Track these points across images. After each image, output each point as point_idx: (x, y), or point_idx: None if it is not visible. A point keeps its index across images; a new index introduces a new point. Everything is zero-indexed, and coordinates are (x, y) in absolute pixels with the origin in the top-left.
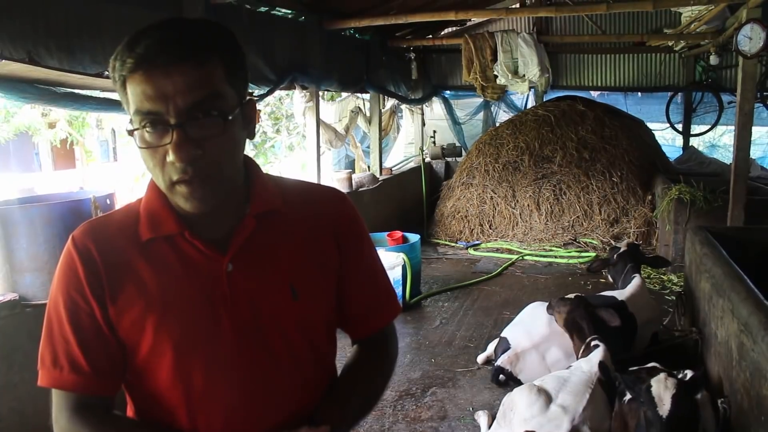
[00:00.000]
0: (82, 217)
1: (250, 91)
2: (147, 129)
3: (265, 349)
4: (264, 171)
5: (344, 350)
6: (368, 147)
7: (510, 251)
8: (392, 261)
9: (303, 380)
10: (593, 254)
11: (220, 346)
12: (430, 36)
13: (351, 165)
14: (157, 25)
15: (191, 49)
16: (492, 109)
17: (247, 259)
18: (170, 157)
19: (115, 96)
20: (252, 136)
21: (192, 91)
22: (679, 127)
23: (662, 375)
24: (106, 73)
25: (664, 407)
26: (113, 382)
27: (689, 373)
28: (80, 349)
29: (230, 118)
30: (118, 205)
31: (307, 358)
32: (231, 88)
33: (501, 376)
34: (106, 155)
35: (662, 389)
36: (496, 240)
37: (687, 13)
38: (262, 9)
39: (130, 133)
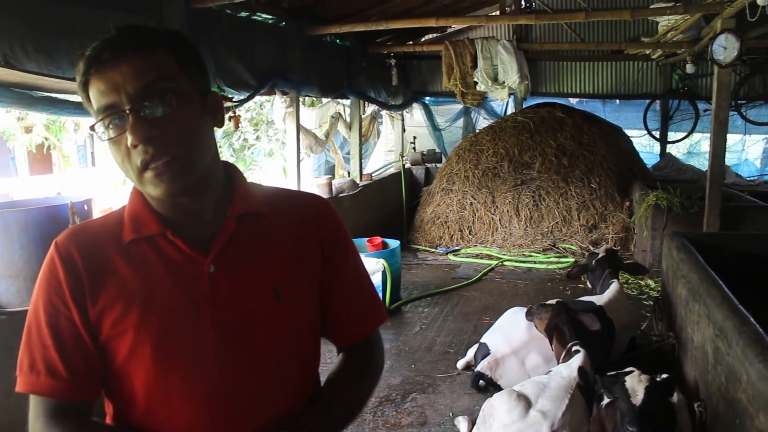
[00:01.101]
0: (59, 223)
1: (230, 96)
2: (109, 125)
3: (247, 351)
4: (246, 178)
5: (326, 355)
6: (348, 153)
7: (489, 257)
8: (372, 267)
9: (286, 384)
10: (572, 260)
11: (201, 348)
12: (411, 42)
13: (331, 171)
14: (107, 33)
15: (136, 42)
16: (472, 115)
17: (230, 260)
18: (129, 140)
19: None
20: (221, 124)
21: (140, 75)
22: (657, 134)
23: (636, 372)
24: None
25: (638, 397)
26: (91, 388)
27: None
28: (58, 354)
29: (183, 97)
30: (96, 210)
31: (291, 362)
32: (184, 76)
33: (481, 381)
34: (84, 160)
35: (636, 382)
36: (475, 246)
37: (664, 22)
38: (243, 14)
39: (92, 128)
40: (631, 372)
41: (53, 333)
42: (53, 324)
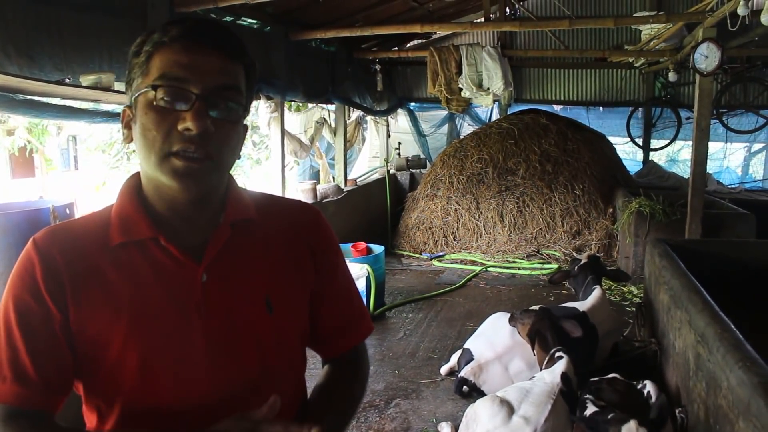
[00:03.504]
0: (40, 227)
1: None
2: (164, 96)
3: (238, 361)
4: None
5: (310, 361)
6: (333, 158)
7: (474, 263)
8: (356, 272)
9: (276, 395)
10: (556, 266)
11: (191, 357)
12: (396, 48)
13: (316, 176)
14: (195, 19)
15: (230, 43)
16: (456, 121)
17: (222, 268)
18: (186, 123)
19: (75, 104)
20: (239, 156)
21: (223, 75)
22: (640, 141)
23: (632, 424)
24: (67, 80)
25: None
26: (57, 399)
27: (648, 384)
28: (29, 356)
29: (243, 113)
30: (78, 214)
31: (280, 372)
32: (245, 96)
33: (464, 387)
34: (67, 163)
35: None
36: (459, 251)
37: (647, 30)
38: (228, 19)
39: (135, 100)
40: (613, 379)
41: (25, 334)
42: (25, 326)
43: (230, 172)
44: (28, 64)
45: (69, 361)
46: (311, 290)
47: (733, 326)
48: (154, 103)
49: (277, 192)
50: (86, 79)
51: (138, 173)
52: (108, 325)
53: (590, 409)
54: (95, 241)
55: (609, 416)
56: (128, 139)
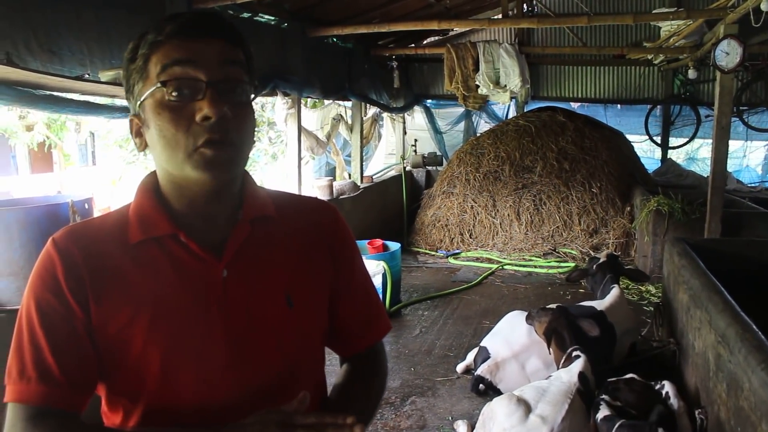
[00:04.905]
0: (59, 222)
1: None
2: (174, 90)
3: (258, 357)
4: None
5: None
6: (349, 155)
7: (490, 260)
8: (373, 269)
9: (296, 391)
10: (572, 264)
11: (212, 354)
12: (413, 45)
13: (332, 172)
14: (189, 11)
15: (227, 29)
16: (473, 118)
17: (242, 265)
18: (204, 111)
19: (94, 99)
20: (254, 142)
21: (227, 61)
22: (658, 139)
23: None
24: (87, 75)
25: None
26: (82, 398)
27: (666, 384)
28: (53, 356)
29: (252, 94)
30: (97, 209)
31: (301, 369)
32: (250, 78)
33: (480, 385)
34: (85, 159)
35: None
36: (476, 249)
37: (666, 27)
38: (245, 15)
39: (144, 102)
40: (630, 379)
41: (48, 334)
42: (48, 325)
43: (245, 167)
44: (51, 60)
45: (93, 359)
46: (330, 287)
47: (755, 327)
48: (166, 99)
49: (293, 188)
50: (105, 75)
51: (154, 172)
52: (129, 323)
53: (602, 413)
54: (114, 240)
55: (618, 423)
56: (142, 146)
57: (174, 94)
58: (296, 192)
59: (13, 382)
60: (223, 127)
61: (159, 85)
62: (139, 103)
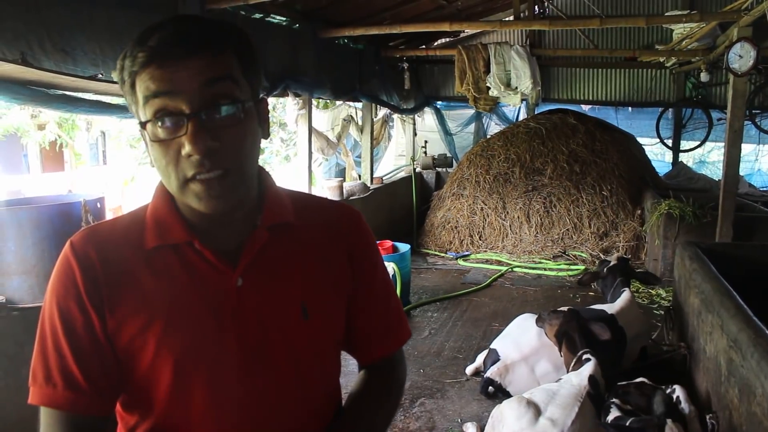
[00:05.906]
0: (71, 221)
1: None
2: (159, 125)
3: (272, 368)
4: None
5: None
6: (359, 156)
7: (499, 263)
8: None
9: (310, 402)
10: (582, 267)
11: (224, 364)
12: (424, 46)
13: (342, 173)
14: (169, 21)
15: (205, 42)
16: (483, 120)
17: (258, 273)
18: (186, 149)
19: (107, 99)
20: (267, 135)
21: (211, 81)
22: (669, 142)
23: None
24: (100, 75)
25: None
26: (109, 403)
27: (677, 389)
28: (77, 364)
29: (247, 106)
30: (108, 208)
31: (315, 380)
32: (246, 80)
33: (490, 387)
34: (96, 158)
35: None
36: (485, 251)
37: (679, 30)
38: (257, 16)
39: (143, 126)
40: (641, 383)
41: (70, 342)
42: (70, 332)
43: (263, 166)
44: (64, 60)
45: (115, 367)
46: (348, 294)
47: (767, 331)
48: (156, 132)
49: (303, 188)
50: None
51: None
52: (142, 331)
53: (613, 415)
54: (130, 243)
55: (628, 422)
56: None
57: (161, 127)
58: (315, 194)
59: (39, 386)
60: (212, 159)
61: (142, 124)
62: (139, 123)
